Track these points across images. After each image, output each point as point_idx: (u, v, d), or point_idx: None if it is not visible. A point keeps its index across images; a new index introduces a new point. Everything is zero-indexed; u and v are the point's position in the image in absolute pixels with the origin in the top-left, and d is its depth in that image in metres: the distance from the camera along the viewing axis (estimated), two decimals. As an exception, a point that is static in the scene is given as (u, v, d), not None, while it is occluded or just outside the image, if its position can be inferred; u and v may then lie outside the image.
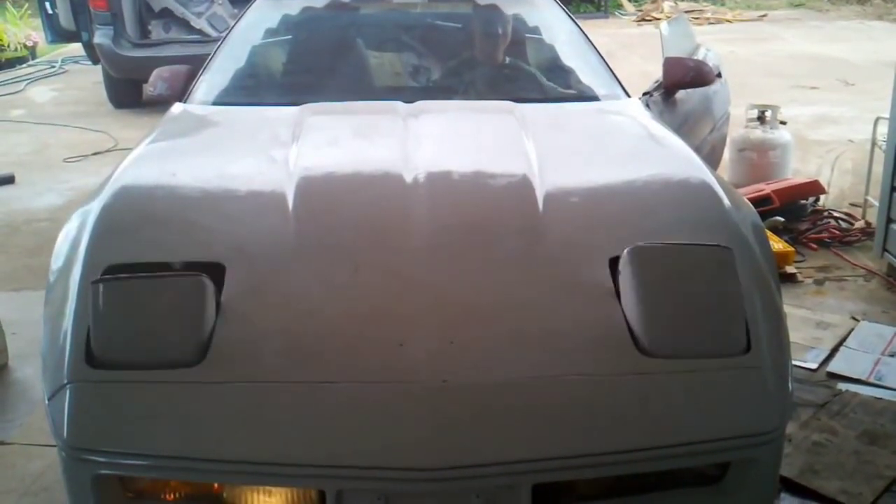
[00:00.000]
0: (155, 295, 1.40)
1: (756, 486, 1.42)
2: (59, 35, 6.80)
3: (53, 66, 8.46)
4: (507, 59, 2.67)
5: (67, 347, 1.41)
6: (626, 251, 1.48)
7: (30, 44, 8.99)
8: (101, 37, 6.10)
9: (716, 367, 1.40)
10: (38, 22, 7.92)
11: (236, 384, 1.36)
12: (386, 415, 1.32)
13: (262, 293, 1.49)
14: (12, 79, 7.85)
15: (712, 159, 3.44)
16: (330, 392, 1.35)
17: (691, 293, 1.45)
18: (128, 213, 1.70)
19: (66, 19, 6.54)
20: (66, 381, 1.37)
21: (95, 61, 6.49)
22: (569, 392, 1.37)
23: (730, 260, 1.47)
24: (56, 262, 1.64)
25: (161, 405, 1.35)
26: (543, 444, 1.31)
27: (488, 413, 1.33)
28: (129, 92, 6.45)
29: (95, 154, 5.15)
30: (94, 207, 1.69)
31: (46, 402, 1.40)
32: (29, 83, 7.75)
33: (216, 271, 1.50)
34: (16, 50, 8.80)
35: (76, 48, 7.77)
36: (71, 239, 1.65)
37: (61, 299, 1.51)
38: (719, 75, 3.50)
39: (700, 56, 3.51)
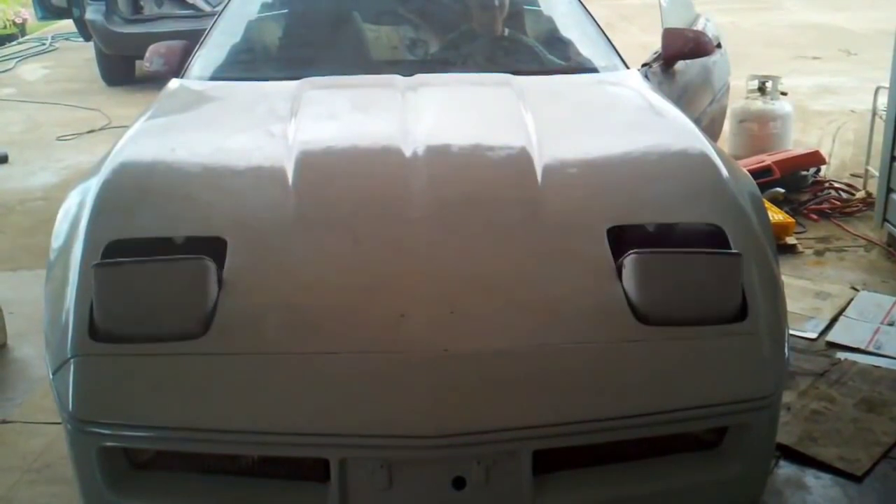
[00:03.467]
0: (156, 279, 1.40)
1: (752, 451, 1.45)
2: (49, 11, 6.68)
3: (44, 44, 8.34)
4: (506, 31, 2.64)
5: (70, 323, 1.41)
6: (628, 259, 1.46)
7: (19, 21, 8.85)
8: (92, 13, 6.01)
9: (712, 334, 1.42)
10: (27, -2, 7.80)
11: (239, 355, 1.37)
12: (388, 384, 1.33)
13: (264, 266, 1.49)
14: (2, 57, 7.74)
15: (712, 130, 3.42)
16: (332, 362, 1.36)
17: (690, 272, 1.46)
18: (127, 190, 1.70)
19: (56, -5, 6.44)
20: (69, 356, 1.38)
21: (87, 38, 6.40)
22: (568, 360, 1.38)
23: (720, 236, 1.48)
24: (56, 239, 1.64)
25: (165, 377, 1.36)
26: (543, 411, 1.33)
27: (489, 381, 1.35)
28: (122, 69, 6.37)
29: (89, 132, 5.10)
30: (94, 184, 1.68)
31: (51, 376, 1.40)
32: (19, 61, 7.65)
33: (217, 245, 1.50)
34: (5, 27, 8.67)
35: (67, 25, 7.65)
36: (71, 216, 1.65)
37: (62, 276, 1.51)
38: (719, 46, 3.46)
39: (699, 26, 3.47)
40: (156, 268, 1.41)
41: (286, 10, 2.86)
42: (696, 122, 2.03)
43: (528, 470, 1.35)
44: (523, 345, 1.39)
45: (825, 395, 2.16)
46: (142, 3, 6.37)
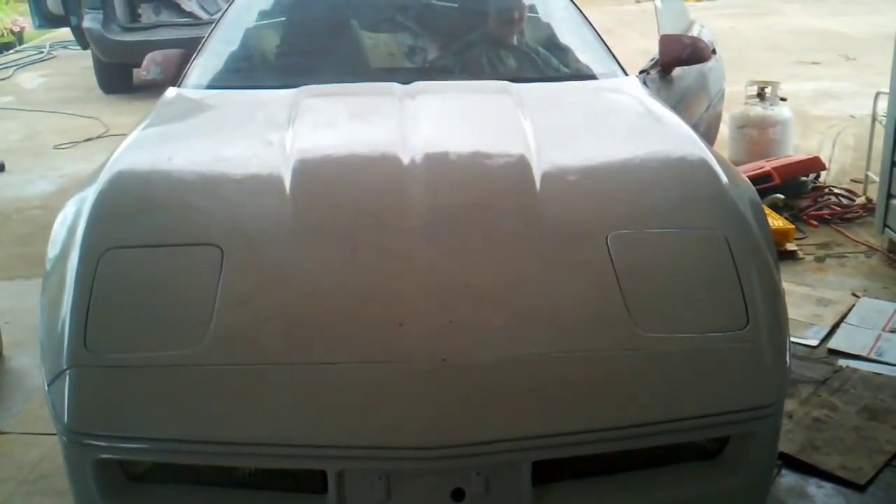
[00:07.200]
0: (167, 265, 1.41)
1: (755, 460, 1.43)
2: (47, 20, 6.69)
3: (41, 52, 8.36)
4: (504, 39, 2.64)
5: (66, 333, 1.40)
6: (611, 237, 1.48)
7: (16, 29, 8.88)
8: (90, 21, 6.02)
9: (713, 342, 1.41)
10: (24, 7, 7.82)
11: (236, 366, 1.36)
12: (386, 394, 1.32)
13: (261, 275, 1.48)
14: (0, 65, 7.76)
15: (708, 136, 3.42)
16: (330, 372, 1.35)
17: (688, 274, 1.46)
18: (124, 198, 1.69)
19: (54, 3, 6.45)
20: (65, 367, 1.37)
21: (85, 46, 6.41)
22: (568, 369, 1.37)
23: (721, 243, 1.49)
24: (52, 248, 1.63)
25: (161, 388, 1.35)
26: (543, 422, 1.32)
27: (488, 391, 1.33)
28: (120, 77, 6.38)
29: (87, 140, 5.10)
30: (91, 193, 1.67)
31: (46, 388, 1.39)
32: (17, 69, 7.67)
33: (215, 254, 1.49)
34: (2, 36, 8.70)
35: (64, 33, 7.67)
36: (67, 225, 1.64)
37: (59, 285, 1.50)
38: (714, 52, 3.46)
39: (694, 32, 3.48)
40: (167, 253, 1.41)
41: (284, 18, 2.86)
42: (694, 128, 2.02)
43: (528, 481, 1.33)
44: (523, 354, 1.37)
45: (827, 402, 2.14)
46: (139, 11, 6.40)
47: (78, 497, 1.40)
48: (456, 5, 2.87)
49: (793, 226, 3.20)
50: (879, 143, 3.17)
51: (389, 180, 1.69)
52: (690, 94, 3.21)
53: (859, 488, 1.84)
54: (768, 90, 4.01)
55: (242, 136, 1.97)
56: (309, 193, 1.65)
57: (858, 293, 2.77)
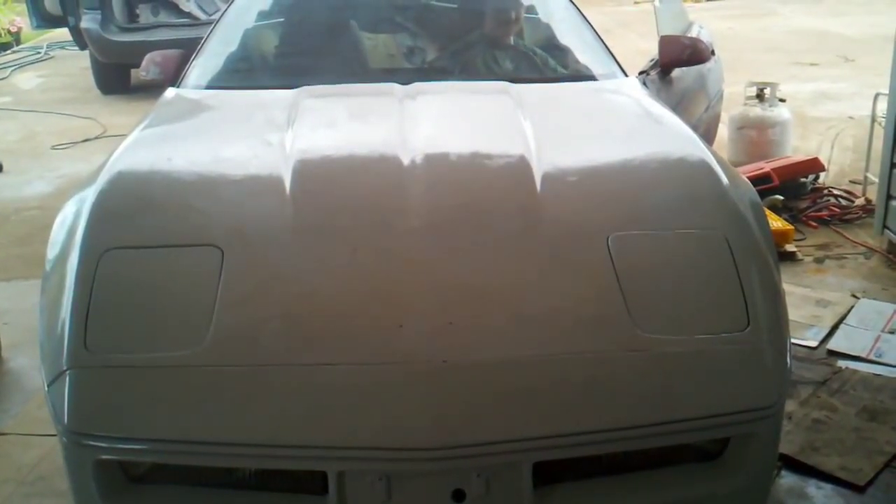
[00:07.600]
0: (167, 266, 1.41)
1: (756, 461, 1.43)
2: (44, 20, 6.68)
3: (39, 52, 8.36)
4: (503, 39, 2.64)
5: (66, 334, 1.40)
6: (612, 237, 1.49)
7: (14, 29, 8.87)
8: (88, 21, 6.01)
9: (714, 343, 1.41)
10: (22, 7, 7.81)
11: (236, 367, 1.36)
12: (386, 395, 1.32)
13: (261, 276, 1.47)
14: (-3, 65, 7.76)
15: (707, 137, 3.42)
16: (330, 374, 1.35)
17: (688, 275, 1.46)
18: (124, 199, 1.69)
19: (51, 4, 6.44)
20: (65, 368, 1.37)
21: (83, 46, 6.40)
22: (568, 370, 1.37)
23: (721, 244, 1.50)
24: (52, 249, 1.62)
25: (161, 389, 1.35)
26: (544, 423, 1.32)
27: (488, 392, 1.33)
28: (118, 77, 6.38)
29: (85, 141, 5.09)
30: (90, 193, 1.67)
31: (46, 388, 1.39)
32: (14, 70, 7.66)
33: (215, 255, 1.49)
34: (0, 36, 8.68)
35: (62, 33, 7.65)
36: (67, 226, 1.64)
37: (58, 286, 1.50)
38: (713, 53, 3.47)
39: (693, 33, 3.48)
40: (166, 254, 1.41)
41: (283, 19, 2.86)
42: (693, 129, 2.03)
43: (529, 482, 1.33)
44: (523, 355, 1.37)
45: (826, 403, 2.15)
46: (137, 11, 6.39)
47: (78, 498, 1.39)
48: (455, 6, 2.88)
49: (792, 227, 3.20)
50: (878, 144, 3.17)
51: (389, 181, 1.69)
52: (689, 94, 3.21)
53: (859, 489, 1.84)
54: (767, 91, 4.02)
55: (242, 137, 1.97)
56: (309, 194, 1.65)
57: (858, 294, 2.77)
